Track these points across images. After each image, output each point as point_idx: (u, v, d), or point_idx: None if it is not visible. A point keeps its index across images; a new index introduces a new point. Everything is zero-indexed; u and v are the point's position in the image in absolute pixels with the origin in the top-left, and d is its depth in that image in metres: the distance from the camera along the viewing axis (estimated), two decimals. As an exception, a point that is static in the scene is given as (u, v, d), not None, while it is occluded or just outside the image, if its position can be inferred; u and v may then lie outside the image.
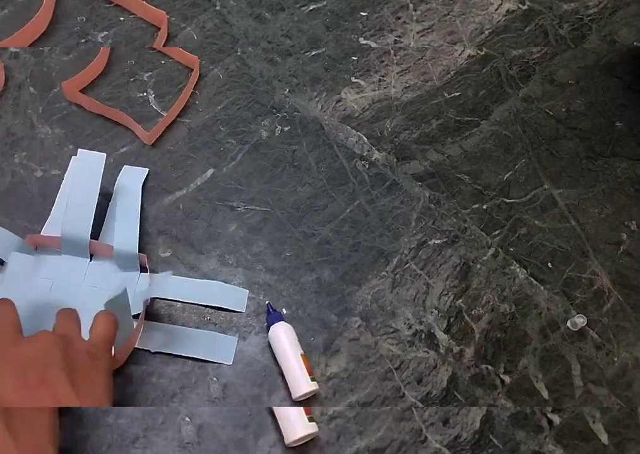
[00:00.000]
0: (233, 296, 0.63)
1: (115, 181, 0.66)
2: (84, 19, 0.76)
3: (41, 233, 0.63)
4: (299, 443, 0.56)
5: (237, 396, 0.58)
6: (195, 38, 0.77)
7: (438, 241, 0.69)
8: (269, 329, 0.60)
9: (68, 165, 0.67)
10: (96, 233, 0.63)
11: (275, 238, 0.67)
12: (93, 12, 0.77)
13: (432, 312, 0.65)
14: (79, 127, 0.70)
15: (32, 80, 0.72)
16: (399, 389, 0.60)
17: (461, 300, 0.66)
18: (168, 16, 0.76)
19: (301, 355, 0.58)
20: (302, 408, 0.56)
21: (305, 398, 0.58)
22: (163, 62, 0.75)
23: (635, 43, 0.85)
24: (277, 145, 0.72)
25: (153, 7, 0.75)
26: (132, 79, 0.74)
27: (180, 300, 0.62)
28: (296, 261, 0.65)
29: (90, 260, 0.62)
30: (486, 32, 0.84)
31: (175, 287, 0.62)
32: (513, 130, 0.77)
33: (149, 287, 0.61)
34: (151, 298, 0.61)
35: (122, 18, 0.77)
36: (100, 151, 0.68)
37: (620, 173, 0.76)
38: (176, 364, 0.59)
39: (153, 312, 0.61)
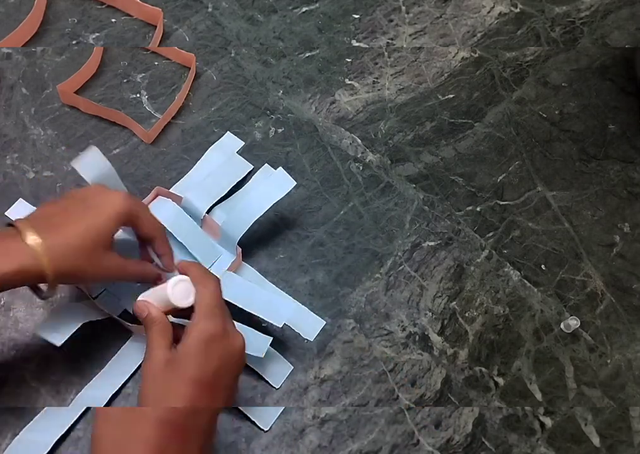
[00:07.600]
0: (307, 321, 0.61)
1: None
2: (76, 21, 0.76)
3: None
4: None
5: (230, 399, 0.58)
6: (188, 39, 0.77)
7: (432, 243, 0.69)
8: None
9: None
10: None
11: (269, 239, 0.66)
12: (84, 14, 0.76)
13: (425, 314, 0.65)
14: (71, 129, 0.69)
15: (24, 81, 0.71)
16: (392, 391, 0.60)
17: (454, 302, 0.66)
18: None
19: None
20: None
21: None
22: (156, 63, 0.75)
23: (627, 46, 0.85)
24: (271, 146, 0.72)
25: (148, 5, 0.75)
26: (125, 80, 0.73)
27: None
28: (290, 264, 0.65)
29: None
30: (479, 35, 0.84)
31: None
32: (507, 132, 0.77)
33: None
34: None
35: (113, 20, 0.77)
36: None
37: (613, 175, 0.76)
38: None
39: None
